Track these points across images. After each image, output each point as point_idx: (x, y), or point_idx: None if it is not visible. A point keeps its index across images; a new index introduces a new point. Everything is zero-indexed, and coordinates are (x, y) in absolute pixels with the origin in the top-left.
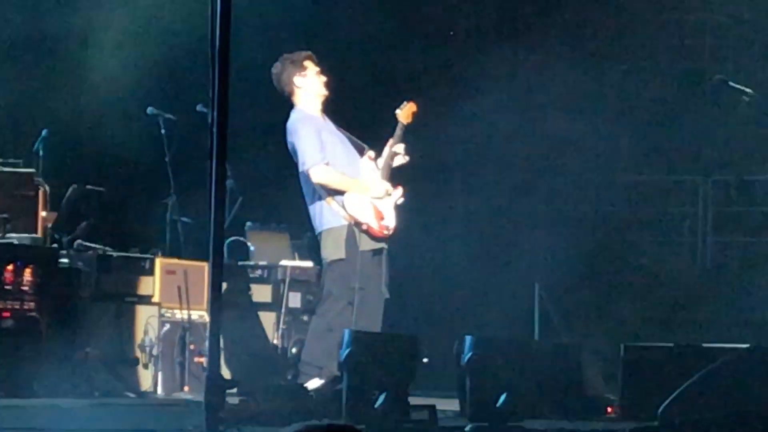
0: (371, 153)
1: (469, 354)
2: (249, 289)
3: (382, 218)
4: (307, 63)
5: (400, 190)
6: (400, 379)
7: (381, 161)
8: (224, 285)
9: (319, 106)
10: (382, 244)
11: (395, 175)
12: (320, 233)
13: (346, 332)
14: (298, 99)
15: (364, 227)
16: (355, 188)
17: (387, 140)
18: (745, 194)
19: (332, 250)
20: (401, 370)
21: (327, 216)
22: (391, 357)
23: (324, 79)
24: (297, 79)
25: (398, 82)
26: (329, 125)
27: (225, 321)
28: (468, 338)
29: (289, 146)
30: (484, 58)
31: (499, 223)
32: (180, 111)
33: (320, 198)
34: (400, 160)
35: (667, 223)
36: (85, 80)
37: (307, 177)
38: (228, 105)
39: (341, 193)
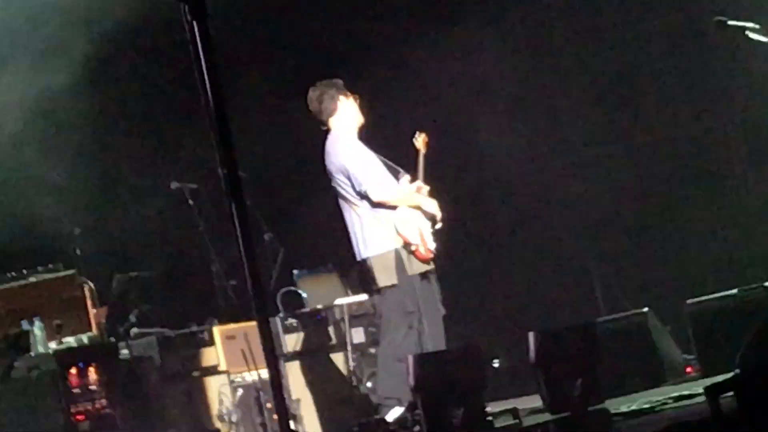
0: (408, 177)
1: (536, 349)
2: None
3: (425, 241)
4: (345, 90)
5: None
6: (474, 391)
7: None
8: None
9: (356, 131)
10: (430, 266)
11: None
12: (366, 259)
13: (410, 358)
14: (337, 121)
15: (413, 248)
16: (413, 201)
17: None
18: None
19: (383, 276)
20: (472, 382)
21: (374, 242)
22: (459, 371)
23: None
24: (342, 101)
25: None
26: (366, 148)
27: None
28: (531, 334)
29: (334, 169)
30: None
31: (537, 208)
32: (202, 177)
33: (366, 223)
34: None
35: (705, 169)
36: (104, 171)
37: (364, 197)
38: (236, 162)
39: (391, 212)
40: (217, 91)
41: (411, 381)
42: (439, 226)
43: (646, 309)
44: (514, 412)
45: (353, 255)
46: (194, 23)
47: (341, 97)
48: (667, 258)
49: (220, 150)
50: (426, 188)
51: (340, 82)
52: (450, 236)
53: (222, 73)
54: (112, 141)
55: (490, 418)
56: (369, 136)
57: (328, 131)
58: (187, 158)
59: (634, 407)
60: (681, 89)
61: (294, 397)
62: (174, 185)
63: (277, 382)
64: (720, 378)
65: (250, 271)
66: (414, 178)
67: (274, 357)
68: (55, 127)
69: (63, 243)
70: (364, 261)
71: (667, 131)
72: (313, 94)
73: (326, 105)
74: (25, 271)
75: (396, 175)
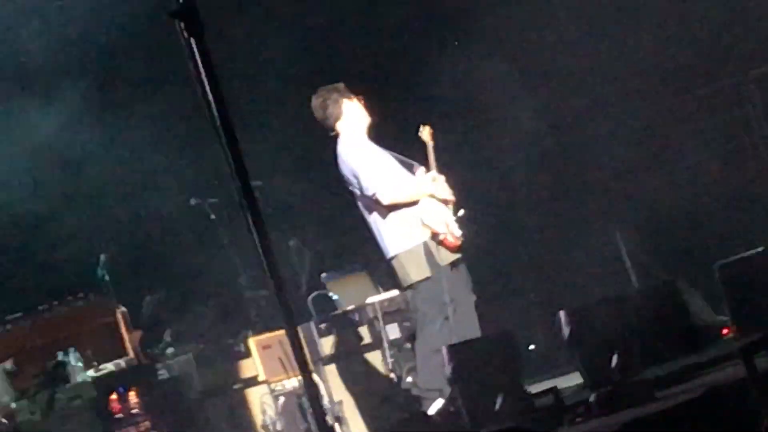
0: (423, 168)
1: (568, 327)
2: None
3: (451, 229)
4: (348, 92)
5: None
6: (511, 376)
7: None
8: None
9: (365, 131)
10: (458, 255)
11: None
12: (395, 257)
13: (444, 349)
14: (344, 125)
15: (441, 237)
16: (423, 192)
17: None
18: None
19: (416, 270)
20: (508, 367)
21: (400, 238)
22: (493, 358)
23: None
24: (346, 104)
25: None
26: (377, 147)
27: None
28: (561, 313)
29: (346, 173)
30: None
31: (560, 183)
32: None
33: (389, 221)
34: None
35: (721, 131)
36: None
37: (376, 202)
38: (247, 172)
39: (413, 206)
40: (221, 103)
41: (448, 371)
42: (462, 212)
43: (676, 275)
44: (554, 392)
45: (380, 252)
46: (191, 40)
47: (344, 101)
48: (693, 222)
49: (229, 160)
50: (441, 178)
51: (341, 85)
52: (476, 222)
53: (229, 82)
54: (129, 164)
55: (531, 400)
56: (381, 132)
57: (337, 136)
58: (207, 173)
59: (673, 375)
60: (693, 48)
61: (336, 399)
62: (193, 201)
63: (311, 387)
64: (751, 340)
65: (273, 278)
66: (428, 170)
67: (305, 364)
68: (72, 158)
69: (91, 271)
70: (393, 258)
71: (683, 92)
72: (315, 101)
73: (330, 110)
74: (56, 302)
75: (411, 169)
